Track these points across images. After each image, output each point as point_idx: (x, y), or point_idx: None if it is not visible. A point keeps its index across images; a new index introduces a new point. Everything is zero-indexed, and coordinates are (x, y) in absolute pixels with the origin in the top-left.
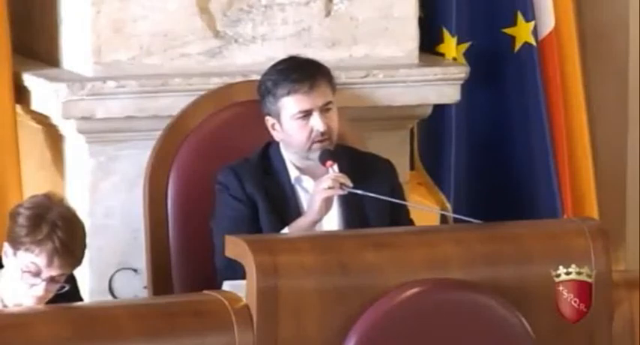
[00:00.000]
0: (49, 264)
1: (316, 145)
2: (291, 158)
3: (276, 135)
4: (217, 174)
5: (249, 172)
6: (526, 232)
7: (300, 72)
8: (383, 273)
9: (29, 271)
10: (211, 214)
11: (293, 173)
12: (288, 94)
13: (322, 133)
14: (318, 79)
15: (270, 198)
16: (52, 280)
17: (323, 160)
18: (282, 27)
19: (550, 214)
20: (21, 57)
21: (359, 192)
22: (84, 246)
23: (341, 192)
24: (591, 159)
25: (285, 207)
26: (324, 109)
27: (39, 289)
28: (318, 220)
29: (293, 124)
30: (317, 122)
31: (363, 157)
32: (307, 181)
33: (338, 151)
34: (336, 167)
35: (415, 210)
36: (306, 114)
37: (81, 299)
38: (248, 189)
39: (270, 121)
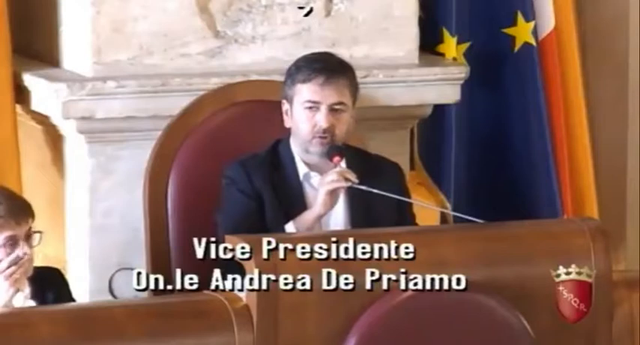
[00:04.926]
0: (17, 223)
1: (316, 141)
2: (299, 154)
3: (287, 121)
4: (225, 168)
5: (258, 166)
6: (526, 232)
7: (322, 64)
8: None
9: (9, 243)
10: (217, 208)
11: (302, 169)
12: (304, 81)
13: (324, 131)
14: (336, 75)
15: (278, 193)
16: (27, 238)
17: (330, 155)
18: (282, 27)
19: (550, 214)
20: (21, 57)
21: (363, 188)
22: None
23: (345, 185)
24: (591, 159)
25: (292, 202)
26: (334, 108)
27: (21, 250)
28: (323, 214)
29: (301, 113)
30: (321, 118)
31: (371, 159)
32: (315, 178)
33: (347, 152)
34: (343, 163)
35: (419, 211)
36: (315, 106)
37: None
38: (256, 183)
39: (285, 105)
